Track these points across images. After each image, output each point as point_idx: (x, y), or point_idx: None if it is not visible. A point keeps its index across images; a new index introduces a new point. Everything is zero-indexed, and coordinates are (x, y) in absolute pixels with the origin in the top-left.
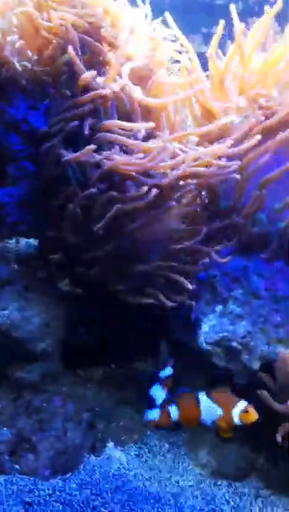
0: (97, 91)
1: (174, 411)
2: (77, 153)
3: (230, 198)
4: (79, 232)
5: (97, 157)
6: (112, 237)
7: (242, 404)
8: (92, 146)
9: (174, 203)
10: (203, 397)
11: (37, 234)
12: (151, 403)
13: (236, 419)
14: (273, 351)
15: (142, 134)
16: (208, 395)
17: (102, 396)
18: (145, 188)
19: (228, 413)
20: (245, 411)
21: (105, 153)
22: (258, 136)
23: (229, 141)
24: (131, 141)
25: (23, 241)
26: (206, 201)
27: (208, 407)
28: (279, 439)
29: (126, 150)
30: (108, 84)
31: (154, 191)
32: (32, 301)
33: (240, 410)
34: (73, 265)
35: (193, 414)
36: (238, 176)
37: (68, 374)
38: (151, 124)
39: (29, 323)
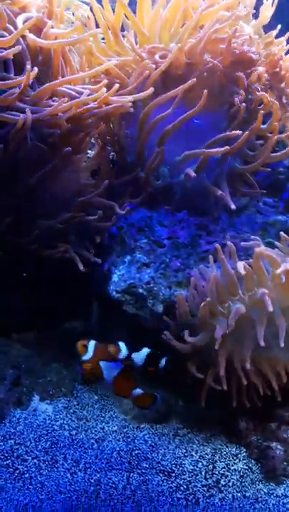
0: None
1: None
2: None
3: (135, 153)
4: None
5: None
6: (13, 188)
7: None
8: None
9: (70, 148)
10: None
11: None
12: None
13: None
14: (174, 294)
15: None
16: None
17: (30, 354)
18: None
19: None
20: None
21: None
22: (151, 89)
23: (116, 85)
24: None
25: None
26: (114, 157)
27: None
28: (193, 371)
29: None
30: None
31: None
32: None
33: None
34: None
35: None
36: (131, 109)
37: None
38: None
39: None
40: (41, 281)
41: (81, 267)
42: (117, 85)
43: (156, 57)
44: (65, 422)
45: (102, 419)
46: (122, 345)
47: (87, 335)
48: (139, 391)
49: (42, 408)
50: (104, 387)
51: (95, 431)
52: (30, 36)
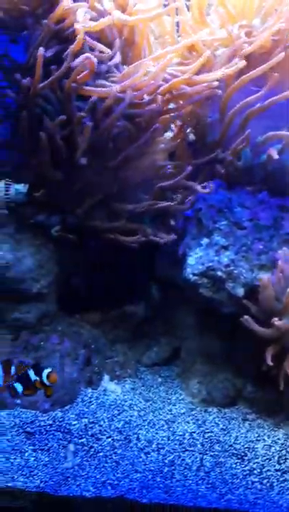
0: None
1: None
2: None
3: (216, 133)
4: (61, 166)
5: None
6: (95, 170)
7: None
8: None
9: (158, 125)
10: None
11: (25, 178)
12: None
13: None
14: (256, 277)
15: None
16: None
17: (97, 335)
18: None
19: None
20: None
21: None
22: (243, 61)
23: (208, 52)
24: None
25: (13, 187)
26: (193, 137)
27: None
28: (268, 360)
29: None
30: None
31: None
32: (23, 243)
33: None
34: (60, 206)
35: None
36: (219, 91)
37: (65, 316)
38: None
39: (22, 263)
40: (105, 264)
41: (162, 241)
42: (208, 52)
43: (242, 34)
44: (133, 403)
45: (168, 401)
46: None
47: (147, 319)
48: None
49: (111, 388)
50: None
51: (163, 412)
52: (116, 14)
